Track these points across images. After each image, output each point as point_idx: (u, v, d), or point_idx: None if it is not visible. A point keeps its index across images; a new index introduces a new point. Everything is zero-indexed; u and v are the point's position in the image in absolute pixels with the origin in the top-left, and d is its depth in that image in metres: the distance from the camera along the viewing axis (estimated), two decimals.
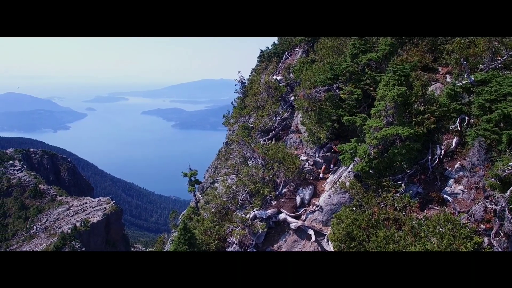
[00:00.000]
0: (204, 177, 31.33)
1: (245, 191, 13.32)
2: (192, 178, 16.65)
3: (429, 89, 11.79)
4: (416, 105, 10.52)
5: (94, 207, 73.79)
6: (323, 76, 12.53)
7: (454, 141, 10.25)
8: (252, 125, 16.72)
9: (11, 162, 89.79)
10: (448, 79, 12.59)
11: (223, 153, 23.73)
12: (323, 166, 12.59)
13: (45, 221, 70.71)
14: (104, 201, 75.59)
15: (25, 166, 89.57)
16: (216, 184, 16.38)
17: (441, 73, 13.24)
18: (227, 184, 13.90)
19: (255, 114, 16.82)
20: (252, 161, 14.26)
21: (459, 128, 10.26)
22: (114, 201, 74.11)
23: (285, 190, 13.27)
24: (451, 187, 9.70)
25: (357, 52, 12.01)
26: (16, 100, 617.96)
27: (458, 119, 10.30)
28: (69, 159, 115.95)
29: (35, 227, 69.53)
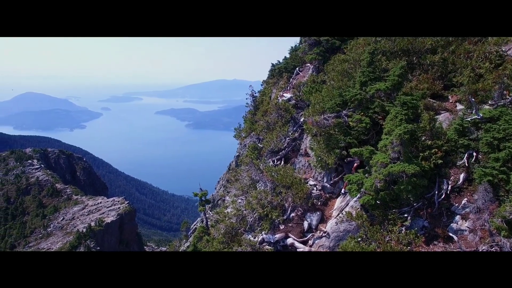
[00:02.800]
0: (215, 188, 31.76)
1: (254, 214, 13.58)
2: (203, 198, 17.05)
3: (438, 118, 11.76)
4: (423, 138, 10.54)
5: (109, 207, 75.00)
6: (332, 102, 12.67)
7: (462, 176, 10.24)
8: (261, 146, 16.99)
9: (29, 161, 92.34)
10: (458, 107, 12.51)
11: (233, 167, 24.10)
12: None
13: (62, 220, 72.34)
14: (118, 201, 76.77)
15: (43, 165, 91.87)
16: (227, 199, 16.67)
17: (450, 101, 13.14)
18: (237, 206, 14.20)
19: (265, 136, 17.07)
20: (261, 184, 14.52)
21: (467, 164, 10.23)
22: (128, 201, 75.23)
23: (293, 214, 13.48)
24: (457, 224, 9.71)
25: (366, 80, 12.09)
26: (35, 99, 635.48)
27: (466, 155, 10.27)
28: (84, 159, 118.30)
29: (52, 225, 71.17)
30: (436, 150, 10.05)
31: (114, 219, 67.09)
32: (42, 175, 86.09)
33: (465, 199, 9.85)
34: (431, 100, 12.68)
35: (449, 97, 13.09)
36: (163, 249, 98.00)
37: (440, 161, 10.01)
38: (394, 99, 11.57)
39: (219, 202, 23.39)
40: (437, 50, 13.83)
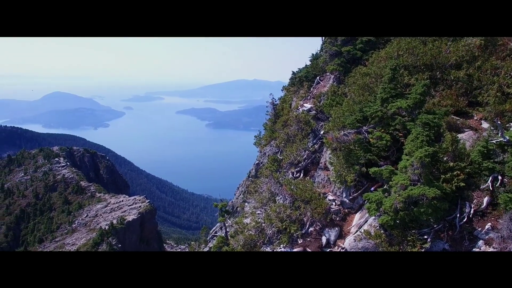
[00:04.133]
0: (234, 194, 32.13)
1: (273, 227, 13.70)
2: (223, 209, 17.40)
3: (461, 137, 11.46)
4: (445, 158, 10.30)
5: (130, 205, 76.65)
6: (353, 118, 12.60)
7: (485, 200, 9.96)
8: (281, 157, 17.09)
9: (56, 159, 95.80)
10: (484, 125, 12.15)
11: (252, 174, 24.33)
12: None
13: (85, 217, 74.58)
14: (139, 200, 78.38)
15: (68, 163, 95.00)
16: (246, 209, 16.87)
17: (475, 118, 12.75)
18: (256, 218, 14.37)
19: (284, 148, 17.16)
20: (280, 198, 14.63)
21: (491, 188, 9.94)
22: (148, 200, 76.69)
23: (311, 229, 13.50)
24: (480, 249, 9.47)
25: (387, 96, 11.95)
26: (62, 99, 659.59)
27: (491, 178, 9.97)
28: (107, 158, 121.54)
29: (76, 222, 73.47)
30: (459, 172, 9.82)
31: (135, 217, 68.54)
32: (68, 172, 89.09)
33: (489, 224, 9.60)
34: (455, 117, 12.37)
35: (474, 114, 12.72)
36: (182, 247, 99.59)
37: (462, 184, 9.77)
38: (416, 116, 11.40)
39: (238, 209, 23.69)
40: (462, 65, 13.48)
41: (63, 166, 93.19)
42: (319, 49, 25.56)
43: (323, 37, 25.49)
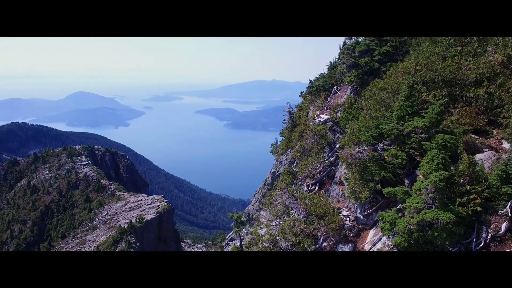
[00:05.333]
0: (251, 200, 32.37)
1: (287, 241, 13.81)
2: (238, 220, 17.63)
3: (480, 158, 11.20)
4: (462, 181, 10.10)
5: (149, 204, 78.01)
6: (368, 134, 12.54)
7: (504, 226, 9.71)
8: (296, 170, 17.18)
9: (79, 157, 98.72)
10: (504, 145, 11.82)
11: (269, 183, 24.50)
12: None
13: (106, 214, 76.48)
14: (158, 199, 79.65)
15: (90, 162, 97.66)
16: (261, 220, 17.01)
17: (495, 137, 12.40)
18: (270, 231, 14.52)
19: (300, 161, 17.23)
20: (295, 211, 14.72)
21: (510, 214, 9.68)
22: (167, 200, 77.77)
23: (325, 244, 13.54)
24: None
25: (403, 114, 11.84)
26: (84, 98, 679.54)
27: (510, 203, 9.70)
28: (127, 157, 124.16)
29: (97, 219, 75.47)
30: (476, 196, 9.63)
31: (154, 216, 69.65)
32: (89, 171, 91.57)
33: (507, 250, 9.37)
34: (474, 136, 12.07)
35: (494, 132, 12.37)
36: (199, 246, 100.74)
37: (479, 209, 9.58)
38: (433, 134, 11.26)
39: (254, 216, 23.92)
40: (483, 82, 13.14)
41: (85, 165, 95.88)
42: (336, 56, 25.47)
43: (340, 45, 25.40)
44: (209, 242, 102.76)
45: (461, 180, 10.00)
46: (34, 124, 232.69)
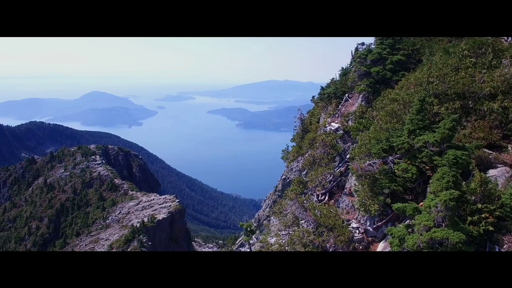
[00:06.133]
0: (261, 206, 32.44)
1: (296, 250, 13.85)
2: (248, 229, 17.79)
3: (493, 173, 11.00)
4: (473, 198, 9.95)
5: (160, 204, 78.71)
6: (379, 147, 12.48)
7: None
8: (307, 180, 17.19)
9: (93, 157, 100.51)
10: None
11: (279, 189, 24.59)
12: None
13: (118, 213, 77.52)
14: (170, 199, 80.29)
15: (104, 161, 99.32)
16: (271, 229, 17.11)
17: (510, 152, 12.11)
18: (279, 241, 14.60)
19: (310, 171, 17.25)
20: (304, 222, 14.75)
21: None
22: (178, 200, 78.33)
23: None
24: None
25: (414, 128, 11.74)
26: (99, 98, 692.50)
27: None
28: (140, 156, 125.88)
29: (110, 218, 76.59)
30: (488, 215, 9.48)
31: (165, 216, 70.17)
32: (103, 170, 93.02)
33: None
34: (487, 151, 11.83)
35: (509, 147, 12.10)
36: (210, 245, 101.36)
37: (491, 228, 9.43)
38: (444, 149, 11.14)
39: (265, 222, 24.03)
40: (497, 96, 12.89)
41: (99, 164, 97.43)
42: (348, 62, 25.39)
43: (352, 52, 25.27)
44: (219, 241, 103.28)
45: (473, 198, 9.85)
46: (50, 123, 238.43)
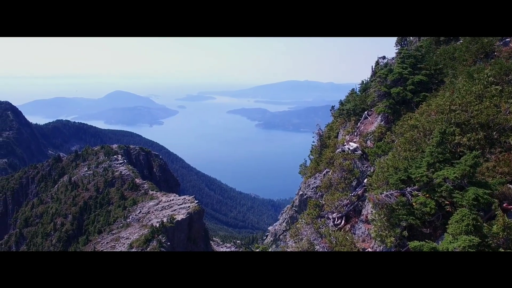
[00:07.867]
0: (278, 218, 32.48)
1: None
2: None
3: None
4: (496, 241, 9.58)
5: (180, 204, 79.65)
6: (397, 177, 12.24)
7: None
8: (323, 203, 17.07)
9: (115, 156, 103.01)
10: None
11: (296, 205, 24.54)
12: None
13: (139, 213, 79.08)
14: (189, 200, 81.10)
15: (125, 161, 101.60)
16: (288, 250, 17.09)
17: None
18: None
19: (327, 194, 17.11)
20: (319, 249, 14.65)
21: None
22: (197, 201, 79.04)
23: None
24: None
25: (434, 161, 11.43)
26: (121, 97, 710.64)
27: None
28: (160, 157, 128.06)
29: (130, 217, 78.30)
30: None
31: (184, 217, 70.87)
32: (124, 169, 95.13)
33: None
34: (511, 187, 11.41)
35: None
36: (228, 245, 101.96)
37: None
38: (466, 185, 10.80)
39: (281, 237, 24.05)
40: None
41: (120, 163, 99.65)
42: (368, 77, 24.99)
43: (373, 67, 24.91)
44: (237, 241, 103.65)
45: (495, 241, 9.51)
46: (75, 122, 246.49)
